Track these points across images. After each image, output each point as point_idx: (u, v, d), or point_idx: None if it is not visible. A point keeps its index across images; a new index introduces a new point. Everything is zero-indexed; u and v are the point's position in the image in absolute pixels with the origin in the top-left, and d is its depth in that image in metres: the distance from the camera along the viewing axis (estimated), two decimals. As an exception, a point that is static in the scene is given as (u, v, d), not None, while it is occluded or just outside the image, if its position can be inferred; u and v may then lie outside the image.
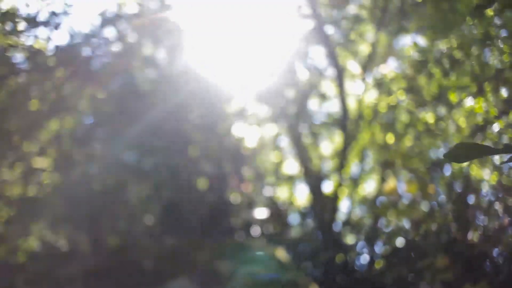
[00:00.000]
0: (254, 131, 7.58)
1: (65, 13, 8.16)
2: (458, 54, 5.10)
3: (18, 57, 8.52)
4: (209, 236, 6.35)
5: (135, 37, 8.94)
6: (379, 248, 6.29)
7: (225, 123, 7.07)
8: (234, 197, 7.06)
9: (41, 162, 11.17)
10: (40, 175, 11.44)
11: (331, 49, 5.50)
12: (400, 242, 5.62)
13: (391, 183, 6.26)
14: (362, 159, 6.95)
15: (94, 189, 11.05)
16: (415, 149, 6.10)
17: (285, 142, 7.72)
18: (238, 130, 7.41)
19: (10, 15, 7.78)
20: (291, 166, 7.75)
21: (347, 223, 6.80)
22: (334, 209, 6.67)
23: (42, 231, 12.45)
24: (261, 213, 6.94)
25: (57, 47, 8.40)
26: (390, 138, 6.38)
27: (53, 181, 11.36)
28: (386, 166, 6.37)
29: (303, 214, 7.03)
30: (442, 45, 5.89)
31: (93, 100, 9.42)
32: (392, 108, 6.45)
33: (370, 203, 6.55)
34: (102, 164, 10.53)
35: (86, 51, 8.64)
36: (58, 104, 9.47)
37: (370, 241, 6.10)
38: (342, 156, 6.46)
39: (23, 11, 7.96)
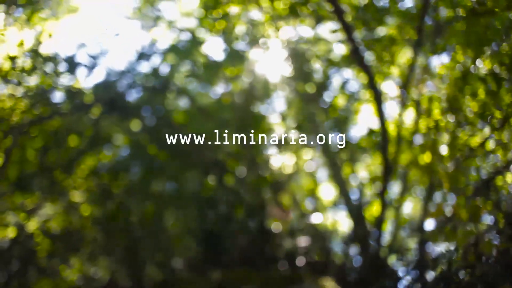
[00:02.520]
0: (291, 158, 7.46)
1: (102, 53, 8.41)
2: (502, 71, 4.91)
3: (58, 96, 8.79)
4: (252, 267, 6.19)
5: (168, 70, 9.07)
6: (428, 274, 5.99)
7: (262, 150, 6.98)
8: (275, 226, 6.91)
9: (80, 196, 11.35)
10: (80, 209, 11.62)
11: (368, 71, 5.39)
12: (450, 268, 5.33)
13: (437, 206, 6.01)
14: (404, 181, 6.72)
15: (132, 221, 11.12)
16: (461, 170, 5.86)
17: (321, 167, 7.56)
18: (275, 157, 7.32)
19: (50, 58, 8.05)
20: (329, 192, 7.57)
21: (392, 248, 6.54)
22: (378, 234, 6.43)
23: (82, 264, 12.56)
24: (303, 241, 6.75)
25: (94, 85, 8.63)
26: (433, 159, 6.16)
27: (92, 214, 11.52)
28: (431, 188, 6.13)
29: (346, 241, 6.81)
30: (481, 63, 5.71)
31: (129, 133, 9.57)
32: (432, 128, 6.25)
33: (416, 227, 6.29)
34: (139, 196, 10.62)
35: (122, 87, 8.82)
36: (96, 139, 9.66)
37: (418, 267, 5.82)
38: (383, 179, 6.26)
39: (62, 53, 8.25)
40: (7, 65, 8.00)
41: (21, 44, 7.76)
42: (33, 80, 8.39)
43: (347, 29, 5.26)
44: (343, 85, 6.41)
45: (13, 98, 8.61)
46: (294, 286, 4.50)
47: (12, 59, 7.80)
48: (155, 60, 8.79)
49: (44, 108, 8.46)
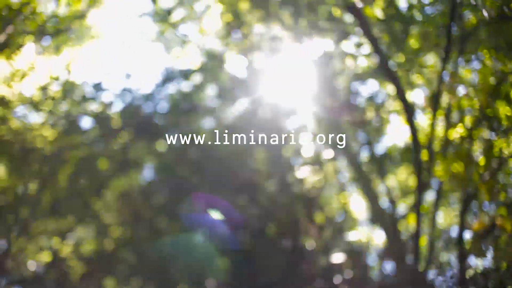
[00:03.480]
0: (321, 173, 7.33)
1: (127, 76, 8.53)
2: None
3: (87, 121, 8.92)
4: (288, 285, 6.06)
5: (192, 89, 9.11)
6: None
7: (291, 167, 6.89)
8: (309, 243, 6.77)
9: (111, 218, 11.44)
10: (111, 231, 11.70)
11: (397, 83, 5.27)
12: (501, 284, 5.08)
13: (479, 217, 5.77)
14: (438, 192, 6.50)
15: (163, 242, 11.12)
16: (498, 179, 5.62)
17: (352, 182, 7.41)
18: (305, 173, 7.20)
19: (78, 85, 8.20)
20: (361, 206, 7.40)
21: (430, 262, 6.30)
22: (415, 247, 6.21)
23: (115, 285, 12.61)
24: (338, 258, 6.58)
25: (121, 110, 8.72)
26: (467, 169, 5.94)
27: (123, 236, 11.58)
28: (467, 199, 5.90)
29: (382, 256, 6.61)
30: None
31: (157, 155, 9.61)
32: (465, 137, 6.04)
33: (455, 240, 6.05)
34: (168, 217, 10.62)
35: (148, 110, 8.88)
36: (125, 163, 9.74)
37: (460, 282, 5.58)
38: (417, 190, 6.06)
39: (89, 79, 8.40)
40: (38, 95, 8.18)
41: (51, 74, 7.94)
42: (62, 108, 8.56)
43: (374, 42, 5.17)
44: (372, 98, 6.29)
45: (44, 127, 8.79)
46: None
47: (44, 89, 7.99)
48: (180, 81, 8.85)
49: (74, 136, 8.61)
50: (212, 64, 8.60)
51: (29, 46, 8.08)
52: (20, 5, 7.11)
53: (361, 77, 6.15)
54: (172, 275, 11.39)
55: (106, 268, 12.39)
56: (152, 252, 11.28)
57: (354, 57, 6.10)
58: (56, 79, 8.18)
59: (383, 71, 5.54)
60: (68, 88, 8.21)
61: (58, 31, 7.77)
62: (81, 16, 7.75)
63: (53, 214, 10.42)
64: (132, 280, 12.68)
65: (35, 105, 8.21)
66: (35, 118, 8.70)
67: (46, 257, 12.18)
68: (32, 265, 11.64)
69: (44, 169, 9.70)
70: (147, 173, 10.57)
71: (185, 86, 9.04)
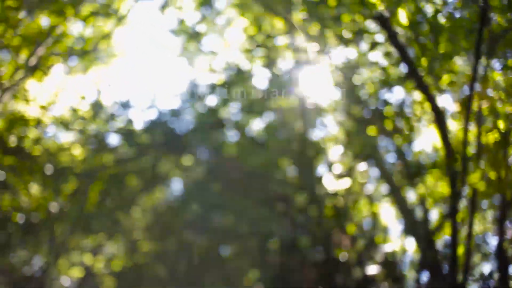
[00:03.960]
0: (351, 183, 7.21)
1: (154, 93, 8.62)
2: None
3: (115, 139, 9.03)
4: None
5: (217, 103, 9.13)
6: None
7: (321, 179, 6.80)
8: (342, 255, 6.63)
9: (141, 234, 11.53)
10: (141, 246, 11.78)
11: (426, 90, 5.15)
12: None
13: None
14: (473, 200, 6.29)
15: (193, 255, 11.12)
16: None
17: (382, 191, 7.26)
18: (335, 185, 7.09)
19: (106, 104, 8.32)
20: (393, 216, 7.22)
21: (468, 273, 6.07)
22: (452, 258, 6.00)
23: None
24: (372, 269, 6.42)
25: (148, 126, 8.81)
26: (504, 175, 5.73)
27: (153, 250, 11.64)
28: (504, 206, 5.69)
29: (418, 268, 6.42)
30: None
31: (185, 169, 9.65)
32: (500, 142, 5.84)
33: (494, 249, 5.83)
34: (198, 230, 10.63)
35: (174, 125, 8.94)
36: (153, 178, 9.81)
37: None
38: (452, 199, 5.88)
39: (116, 97, 8.53)
40: (68, 114, 8.36)
41: (80, 94, 8.10)
42: (91, 126, 8.71)
43: (401, 50, 5.07)
44: (400, 106, 6.16)
45: (75, 146, 8.96)
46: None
47: (73, 108, 8.15)
48: (206, 96, 8.88)
49: (103, 154, 8.75)
50: (237, 78, 8.61)
51: (59, 67, 8.28)
52: (50, 27, 7.29)
53: (389, 85, 6.04)
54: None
55: (137, 283, 12.47)
56: (182, 266, 11.29)
57: (381, 65, 6.00)
58: (85, 98, 8.34)
59: (412, 79, 5.44)
60: (97, 107, 8.34)
61: (85, 51, 7.94)
62: (107, 35, 7.90)
63: (84, 231, 10.55)
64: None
65: (66, 125, 8.37)
66: (66, 137, 8.88)
67: (78, 272, 12.35)
68: (65, 281, 11.81)
69: (75, 187, 9.87)
70: (175, 188, 10.63)
71: (211, 100, 9.08)
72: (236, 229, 9.16)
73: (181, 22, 7.64)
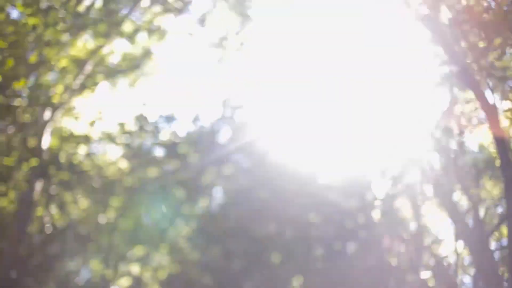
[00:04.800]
0: (395, 186, 7.02)
1: (194, 105, 8.70)
2: None
3: (160, 152, 9.15)
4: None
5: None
6: None
7: (370, 185, 6.65)
8: (394, 260, 6.45)
9: (186, 243, 11.61)
10: (186, 255, 11.86)
11: (478, 88, 4.96)
12: None
13: None
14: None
15: (235, 263, 11.10)
16: None
17: (430, 194, 7.03)
18: (383, 190, 6.94)
19: (151, 118, 8.45)
20: (445, 221, 6.98)
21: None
22: (510, 261, 5.74)
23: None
24: (425, 274, 6.22)
25: (190, 137, 8.88)
26: None
27: (194, 258, 11.70)
28: None
29: (472, 270, 6.17)
30: None
31: (226, 178, 9.67)
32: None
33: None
34: (239, 239, 10.61)
35: (215, 135, 8.98)
36: (197, 188, 9.87)
37: None
38: (508, 200, 5.63)
39: (159, 111, 8.66)
40: (115, 130, 8.55)
41: (125, 109, 8.29)
42: (137, 140, 8.87)
43: (449, 49, 4.92)
44: (448, 106, 5.97)
45: (122, 160, 9.15)
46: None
47: (120, 124, 8.33)
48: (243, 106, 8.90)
49: (149, 167, 8.90)
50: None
51: (104, 85, 8.50)
52: (96, 47, 7.50)
53: (436, 85, 5.87)
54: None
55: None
56: (228, 273, 11.30)
57: (426, 66, 5.85)
58: (130, 113, 8.52)
59: (462, 78, 5.26)
60: (142, 121, 8.49)
61: (130, 68, 8.11)
62: (149, 52, 8.05)
63: (132, 241, 10.72)
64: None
65: (113, 140, 8.56)
66: (113, 152, 9.07)
67: (126, 282, 12.54)
68: (114, 291, 12.01)
69: (122, 199, 10.07)
70: (219, 196, 10.66)
71: (248, 110, 9.09)
72: (282, 235, 9.08)
73: (220, 36, 7.70)
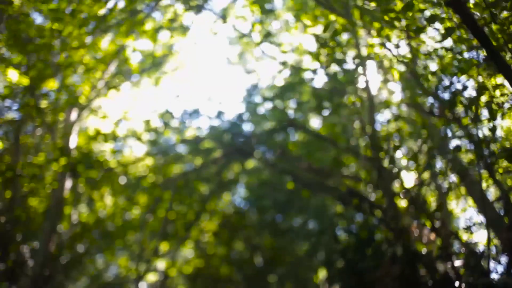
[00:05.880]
0: (423, 175, 6.89)
1: (217, 100, 8.69)
2: None
3: (184, 148, 9.18)
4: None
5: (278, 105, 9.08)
6: None
7: (395, 174, 6.55)
8: (423, 249, 6.34)
9: (211, 238, 11.68)
10: (211, 249, 11.94)
11: (510, 75, 4.80)
12: None
13: None
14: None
15: (259, 255, 11.14)
16: None
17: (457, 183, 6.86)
18: (411, 180, 6.82)
19: (173, 115, 8.47)
20: (472, 210, 6.81)
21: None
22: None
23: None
24: (456, 262, 6.09)
25: (214, 132, 8.88)
26: None
27: (223, 253, 11.78)
28: None
29: (503, 259, 6.01)
30: None
31: (250, 173, 9.68)
32: None
33: None
34: (267, 230, 10.62)
35: (238, 129, 8.97)
36: (221, 183, 9.91)
37: None
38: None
39: (183, 107, 8.64)
40: (140, 127, 8.61)
41: (150, 107, 8.35)
42: (162, 137, 8.93)
43: (479, 33, 4.76)
44: (478, 93, 5.81)
45: (147, 157, 9.22)
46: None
47: (145, 122, 8.39)
48: (267, 99, 8.85)
49: (173, 163, 8.95)
50: (296, 79, 8.52)
51: (129, 83, 8.56)
52: (120, 46, 7.54)
53: (464, 71, 5.72)
54: (272, 287, 11.36)
55: (209, 285, 12.64)
56: (253, 266, 11.33)
57: (456, 52, 5.70)
58: (154, 111, 8.57)
59: (493, 63, 5.11)
60: (166, 118, 8.53)
61: (153, 66, 8.15)
62: (172, 49, 8.07)
63: (158, 237, 10.81)
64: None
65: (138, 137, 8.62)
66: (139, 149, 9.15)
67: (154, 277, 12.69)
68: (143, 285, 12.16)
69: (148, 196, 10.16)
70: (243, 190, 10.68)
71: (271, 103, 9.04)
72: (307, 227, 9.05)
73: (240, 31, 7.65)
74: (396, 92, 7.91)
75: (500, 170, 6.47)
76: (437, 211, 6.32)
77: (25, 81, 6.63)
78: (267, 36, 7.97)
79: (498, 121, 5.73)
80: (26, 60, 6.42)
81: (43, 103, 7.34)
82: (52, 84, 7.10)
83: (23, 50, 6.43)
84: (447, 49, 5.82)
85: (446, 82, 6.43)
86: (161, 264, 12.20)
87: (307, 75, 8.42)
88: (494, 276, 6.23)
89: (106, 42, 7.59)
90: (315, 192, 8.23)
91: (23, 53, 6.45)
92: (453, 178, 7.33)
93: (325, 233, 8.70)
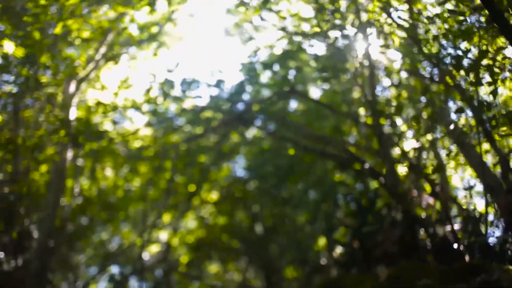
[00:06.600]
0: (422, 141, 6.93)
1: (215, 70, 8.61)
2: None
3: (184, 118, 9.15)
4: (406, 256, 5.82)
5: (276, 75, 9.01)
6: None
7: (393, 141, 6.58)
8: (422, 214, 6.44)
9: (212, 208, 11.81)
10: (213, 219, 12.09)
11: None
12: None
13: None
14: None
15: (260, 226, 11.29)
16: None
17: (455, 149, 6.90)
18: (407, 142, 6.84)
19: (172, 85, 8.40)
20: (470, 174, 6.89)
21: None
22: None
23: (219, 270, 13.08)
24: (454, 226, 6.20)
25: (214, 101, 8.85)
26: None
27: (224, 223, 11.94)
28: None
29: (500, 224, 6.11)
30: None
31: (251, 143, 9.71)
32: None
33: None
34: (264, 201, 10.74)
35: (238, 99, 8.92)
36: (220, 153, 9.95)
37: None
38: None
39: (182, 77, 8.59)
40: (139, 98, 8.57)
41: (149, 76, 8.27)
42: (161, 107, 8.90)
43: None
44: (480, 57, 5.77)
45: (147, 127, 9.21)
46: (481, 276, 4.06)
47: (145, 91, 8.34)
48: (265, 68, 8.77)
49: (173, 133, 8.94)
50: (295, 47, 8.43)
51: (127, 54, 8.46)
52: (118, 16, 7.41)
53: (467, 35, 5.65)
54: (274, 255, 11.58)
55: (210, 254, 12.89)
56: (253, 236, 11.52)
57: (459, 13, 5.61)
58: (154, 81, 8.49)
59: (496, 25, 5.04)
60: (166, 88, 8.47)
61: (151, 36, 8.03)
62: (170, 18, 7.94)
63: (160, 208, 10.93)
64: (236, 263, 13.09)
65: (138, 108, 8.59)
66: (138, 120, 9.13)
67: (155, 248, 12.91)
68: (145, 256, 12.39)
69: (148, 167, 10.22)
70: (242, 160, 10.73)
71: (270, 72, 8.97)
72: (307, 196, 9.15)
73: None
74: (396, 58, 7.86)
75: (498, 137, 6.50)
76: (436, 172, 6.37)
77: (22, 52, 6.53)
78: (266, 2, 7.83)
79: (499, 85, 5.72)
80: (22, 32, 6.31)
81: (41, 76, 7.27)
82: (49, 56, 7.01)
83: (19, 22, 6.31)
84: (449, 11, 5.74)
85: (447, 47, 6.38)
86: (163, 235, 12.40)
87: (306, 43, 8.33)
88: (491, 239, 6.36)
89: (103, 12, 7.46)
90: (316, 157, 8.26)
91: (19, 25, 6.34)
92: (452, 145, 7.38)
93: (325, 200, 8.81)
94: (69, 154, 8.31)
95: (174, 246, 12.55)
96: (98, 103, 8.03)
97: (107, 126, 8.54)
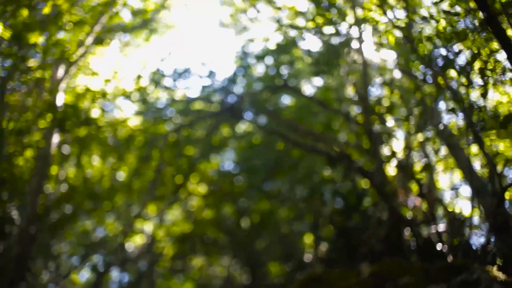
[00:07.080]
0: (411, 142, 6.95)
1: (207, 61, 8.52)
2: None
3: (173, 109, 9.07)
4: (390, 255, 5.83)
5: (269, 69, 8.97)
6: None
7: (383, 141, 6.59)
8: (408, 214, 6.47)
9: (199, 201, 11.76)
10: (199, 213, 12.03)
11: (506, 38, 4.77)
12: None
13: None
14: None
15: (248, 220, 11.28)
16: None
17: (444, 151, 6.94)
18: (398, 146, 6.86)
19: (163, 75, 8.32)
20: (457, 177, 6.93)
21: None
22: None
23: (204, 264, 13.04)
24: (439, 227, 6.23)
25: (204, 94, 8.78)
26: None
27: (211, 217, 11.89)
28: None
29: (485, 227, 6.15)
30: None
31: (241, 136, 9.66)
32: None
33: None
34: (252, 195, 10.72)
35: (229, 92, 8.87)
36: (209, 146, 9.88)
37: None
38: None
39: (173, 68, 8.51)
40: (129, 86, 8.46)
41: (139, 65, 8.17)
42: (152, 97, 8.80)
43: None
44: (473, 60, 5.79)
45: (136, 117, 9.11)
46: (461, 275, 4.09)
47: (136, 79, 8.24)
48: (258, 61, 8.73)
49: (162, 124, 8.86)
50: (289, 40, 8.39)
51: (118, 40, 8.35)
52: (109, 1, 7.30)
53: (461, 37, 5.66)
54: (259, 250, 11.57)
55: (196, 248, 12.83)
56: (239, 230, 11.50)
57: (453, 14, 5.62)
58: (144, 69, 8.40)
59: (489, 27, 5.06)
60: (156, 78, 8.38)
61: (144, 22, 7.93)
62: (164, 5, 7.85)
63: (144, 199, 10.84)
64: (221, 257, 13.05)
65: (128, 96, 8.49)
66: (128, 108, 9.03)
67: (140, 239, 12.81)
68: (129, 247, 12.30)
69: (136, 157, 10.10)
70: (232, 153, 10.68)
71: (263, 66, 8.93)
72: (294, 192, 9.14)
73: None
74: (390, 57, 7.88)
75: (487, 141, 6.54)
76: (424, 171, 6.40)
77: (9, 34, 6.39)
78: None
79: (490, 88, 5.74)
80: (10, 7, 6.16)
81: (29, 59, 7.13)
82: (38, 37, 6.88)
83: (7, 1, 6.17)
84: (444, 11, 5.74)
85: (441, 48, 6.39)
86: (148, 226, 12.31)
87: (300, 38, 8.30)
88: (474, 240, 6.40)
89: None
90: (305, 151, 8.24)
91: (6, 4, 6.20)
92: (441, 146, 7.41)
93: (313, 197, 8.82)
94: (55, 140, 8.19)
95: (159, 238, 12.48)
96: (87, 90, 7.91)
97: (95, 113, 8.43)
